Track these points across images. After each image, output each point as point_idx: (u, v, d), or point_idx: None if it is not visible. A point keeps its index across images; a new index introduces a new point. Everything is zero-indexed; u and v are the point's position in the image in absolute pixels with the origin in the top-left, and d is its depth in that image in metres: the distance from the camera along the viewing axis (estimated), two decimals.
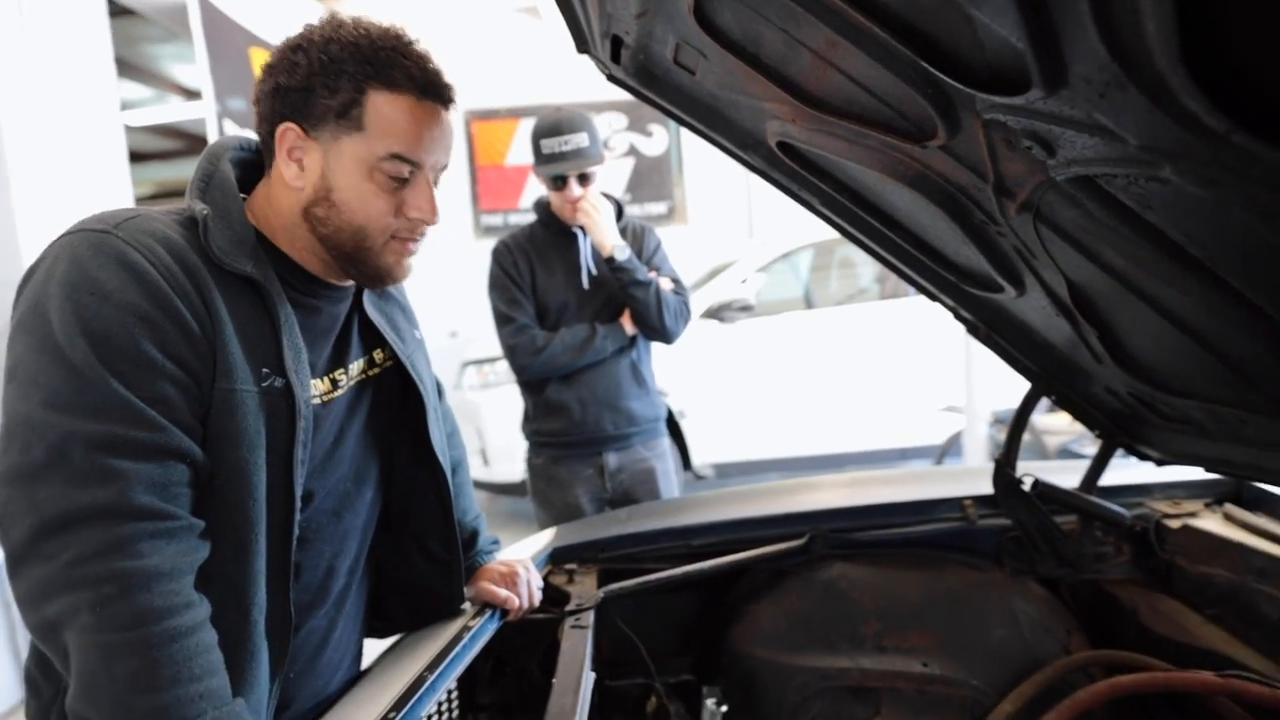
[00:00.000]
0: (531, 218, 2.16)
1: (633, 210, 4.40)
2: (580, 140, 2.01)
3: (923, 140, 0.76)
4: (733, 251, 5.31)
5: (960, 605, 1.33)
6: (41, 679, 0.84)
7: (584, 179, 2.02)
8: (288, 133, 0.87)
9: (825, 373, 4.66)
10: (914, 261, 1.18)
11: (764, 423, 4.65)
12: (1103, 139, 0.57)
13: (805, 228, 4.68)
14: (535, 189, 6.88)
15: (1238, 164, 0.49)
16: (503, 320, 2.08)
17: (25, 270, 0.80)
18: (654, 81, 1.11)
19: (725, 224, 6.69)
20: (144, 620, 0.71)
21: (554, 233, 2.11)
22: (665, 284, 2.09)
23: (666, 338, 2.10)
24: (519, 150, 6.83)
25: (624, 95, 1.26)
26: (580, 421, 2.07)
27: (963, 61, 0.61)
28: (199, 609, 0.76)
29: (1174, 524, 1.33)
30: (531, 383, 2.10)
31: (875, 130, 0.81)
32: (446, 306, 6.12)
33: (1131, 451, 1.35)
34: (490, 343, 4.84)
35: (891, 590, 1.35)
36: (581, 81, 6.66)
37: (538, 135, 2.03)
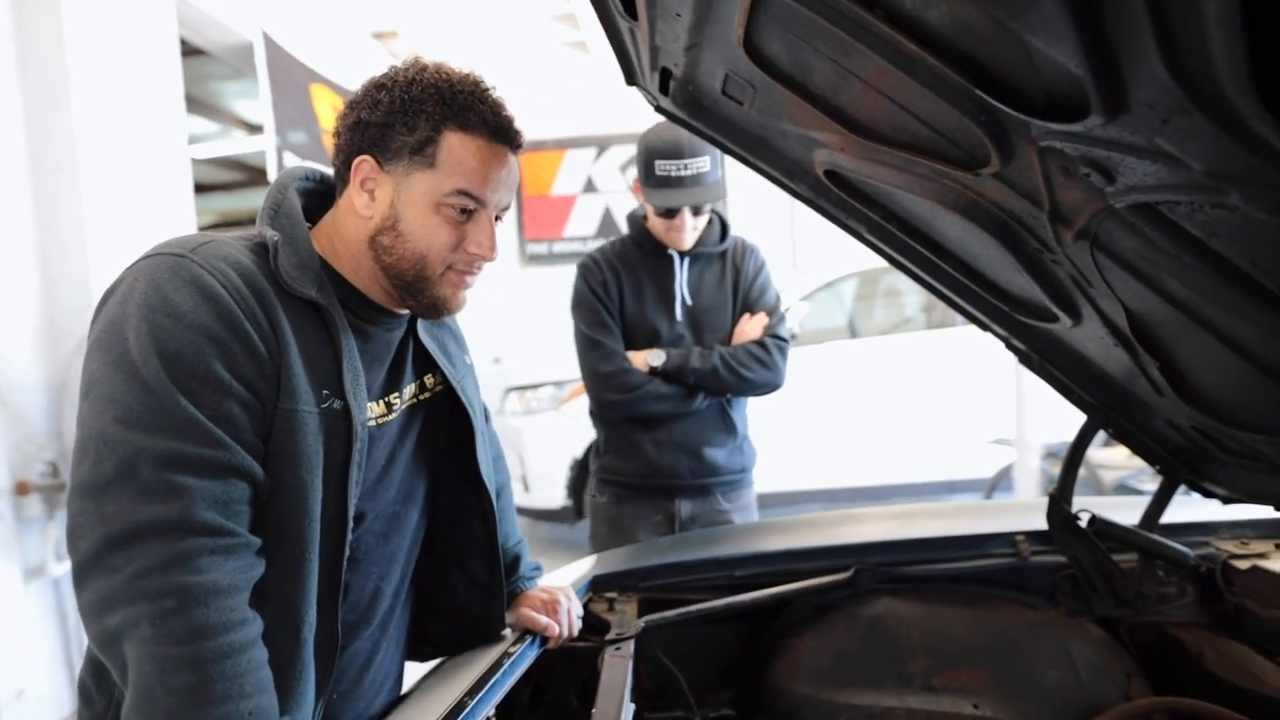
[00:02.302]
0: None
1: None
2: (702, 165, 1.77)
3: (975, 168, 0.76)
4: (777, 281, 5.29)
5: (1013, 645, 1.28)
6: (95, 690, 0.86)
7: (698, 209, 1.81)
8: (363, 164, 0.91)
9: (870, 403, 4.58)
10: (964, 290, 1.16)
11: (807, 453, 4.59)
12: (1166, 165, 0.55)
13: (849, 256, 4.64)
14: (580, 219, 6.97)
15: None
16: (588, 344, 1.86)
17: (101, 293, 0.83)
18: (702, 112, 1.12)
19: (768, 253, 6.65)
20: (200, 635, 0.72)
21: (647, 253, 1.90)
22: (756, 325, 1.89)
23: (764, 391, 1.89)
24: (564, 180, 6.95)
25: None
26: (654, 465, 1.86)
27: (1017, 88, 0.60)
28: (252, 626, 0.77)
29: (1242, 564, 1.27)
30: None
31: (926, 158, 0.81)
32: (491, 333, 6.22)
33: (1195, 488, 1.29)
34: (533, 369, 4.89)
35: (941, 627, 1.31)
36: (625, 113, 6.78)
37: (652, 153, 1.77)
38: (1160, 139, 0.52)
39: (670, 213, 1.80)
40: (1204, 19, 0.40)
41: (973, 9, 0.55)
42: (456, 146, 0.89)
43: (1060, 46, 0.50)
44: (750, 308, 1.93)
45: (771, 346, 1.88)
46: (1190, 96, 0.46)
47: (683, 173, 1.75)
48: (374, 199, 0.91)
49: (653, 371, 1.82)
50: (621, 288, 1.89)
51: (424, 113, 0.88)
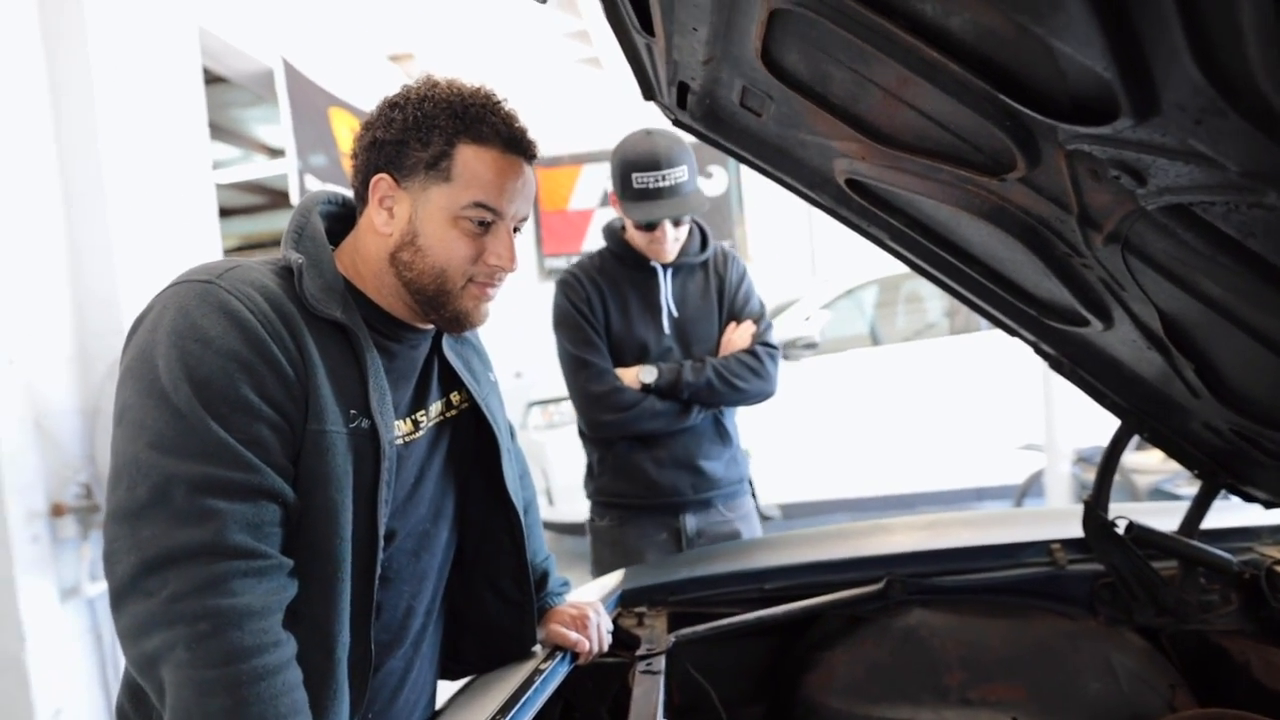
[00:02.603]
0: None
1: None
2: (680, 175, 1.73)
3: (1000, 173, 0.75)
4: (796, 289, 5.27)
5: (1051, 656, 1.26)
6: (133, 713, 0.87)
7: (679, 220, 1.77)
8: (380, 182, 0.92)
9: (894, 410, 4.54)
10: (991, 296, 1.15)
11: (832, 462, 4.56)
12: (1199, 166, 0.54)
13: (869, 263, 4.62)
14: (597, 233, 6.99)
15: None
16: (576, 364, 1.81)
17: (132, 319, 0.85)
18: (720, 124, 1.12)
19: (788, 261, 6.66)
20: (235, 658, 0.73)
21: (628, 265, 1.85)
22: (744, 333, 1.85)
23: (758, 400, 1.86)
24: (581, 195, 6.99)
25: (683, 137, 1.28)
26: (655, 484, 1.82)
27: (1043, 92, 0.59)
28: (286, 647, 0.78)
29: None
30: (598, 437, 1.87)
31: (949, 164, 0.80)
32: (512, 347, 6.25)
33: (1235, 492, 1.26)
34: (555, 383, 4.90)
35: (975, 639, 1.29)
36: (640, 127, 6.81)
37: (627, 166, 1.74)
38: (1193, 140, 0.51)
39: (651, 225, 1.76)
40: (1239, 17, 0.39)
41: (995, 15, 0.55)
42: (471, 159, 0.90)
43: (1087, 50, 0.49)
44: (736, 316, 1.89)
45: (763, 355, 1.85)
46: (1224, 96, 0.45)
47: (661, 184, 1.72)
48: (393, 216, 0.92)
49: (645, 389, 1.78)
50: (605, 303, 1.84)
51: (437, 128, 0.89)
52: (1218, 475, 1.26)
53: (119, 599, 0.76)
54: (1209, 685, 1.27)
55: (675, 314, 1.85)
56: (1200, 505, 1.29)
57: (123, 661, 0.79)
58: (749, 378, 1.82)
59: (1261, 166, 0.50)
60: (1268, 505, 1.25)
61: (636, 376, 1.79)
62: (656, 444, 1.83)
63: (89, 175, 2.57)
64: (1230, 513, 1.38)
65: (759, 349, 1.85)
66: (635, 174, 1.73)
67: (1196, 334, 0.88)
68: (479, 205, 0.91)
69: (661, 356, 1.84)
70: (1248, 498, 1.26)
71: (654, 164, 1.72)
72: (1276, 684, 1.16)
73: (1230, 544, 1.31)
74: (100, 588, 2.45)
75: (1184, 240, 0.68)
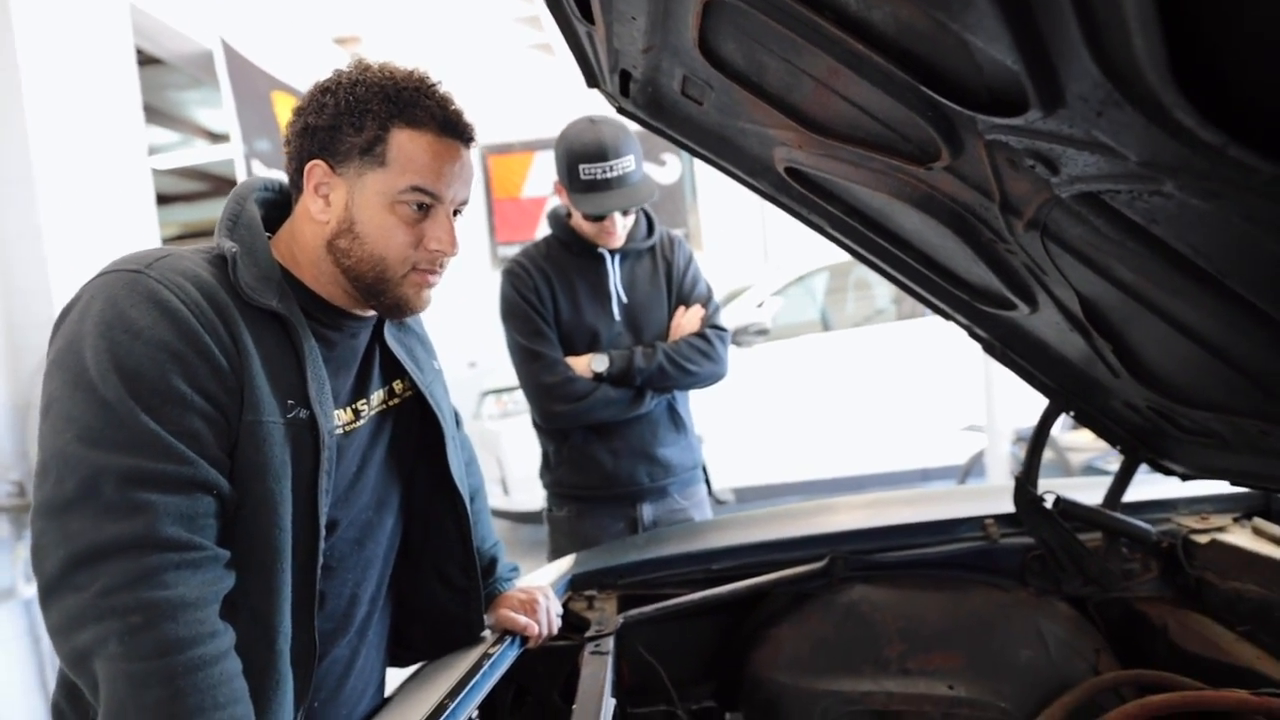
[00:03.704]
0: None
1: None
2: (627, 165, 1.71)
3: (927, 162, 0.78)
4: (748, 276, 5.33)
5: (985, 626, 1.31)
6: (69, 710, 0.86)
7: (628, 210, 1.75)
8: (315, 169, 0.90)
9: (844, 395, 4.64)
10: (926, 281, 1.19)
11: (784, 446, 4.64)
12: (1104, 156, 0.57)
13: (820, 251, 4.69)
14: None
15: (1236, 176, 0.50)
16: (527, 355, 1.80)
17: (59, 309, 0.82)
18: (662, 113, 1.13)
19: (740, 249, 6.72)
20: (170, 649, 0.72)
21: (576, 253, 1.83)
22: (693, 317, 1.86)
23: (711, 382, 1.87)
24: (534, 183, 6.93)
25: (634, 126, 1.29)
26: (612, 475, 1.82)
27: (961, 84, 0.62)
28: (223, 638, 0.77)
29: (1202, 539, 1.31)
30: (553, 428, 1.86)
31: (880, 153, 0.83)
32: (465, 337, 6.19)
33: (1155, 466, 1.33)
34: (509, 372, 4.87)
35: (914, 612, 1.34)
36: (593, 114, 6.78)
37: (574, 157, 1.71)
38: (1096, 131, 0.54)
39: (600, 217, 1.75)
40: (1123, 10, 0.42)
41: (913, 10, 0.57)
42: (406, 143, 0.89)
43: (996, 44, 0.52)
44: (685, 300, 1.90)
45: (713, 337, 1.85)
46: (1119, 89, 0.48)
47: (609, 174, 1.70)
48: (329, 203, 0.91)
49: (597, 377, 1.78)
50: (554, 291, 1.82)
51: (370, 112, 0.88)
52: (1138, 450, 1.32)
53: (48, 594, 0.74)
54: (1131, 649, 1.34)
55: (625, 300, 1.85)
56: (1122, 479, 1.36)
57: (59, 662, 0.78)
58: (700, 361, 1.83)
59: (1158, 157, 0.53)
60: (1184, 478, 1.32)
61: (588, 365, 1.78)
62: (612, 433, 1.82)
63: (16, 161, 2.47)
64: (1150, 486, 1.46)
65: (708, 332, 1.86)
66: (582, 165, 1.70)
67: (1113, 316, 0.93)
68: (416, 189, 0.90)
69: (612, 343, 1.84)
70: (1166, 471, 1.33)
71: (601, 155, 1.70)
72: (1192, 645, 1.23)
73: (1150, 515, 1.39)
74: (35, 589, 2.38)
75: (1096, 227, 0.71)
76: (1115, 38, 0.44)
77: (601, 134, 1.71)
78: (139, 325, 0.78)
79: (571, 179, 1.73)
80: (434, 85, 0.92)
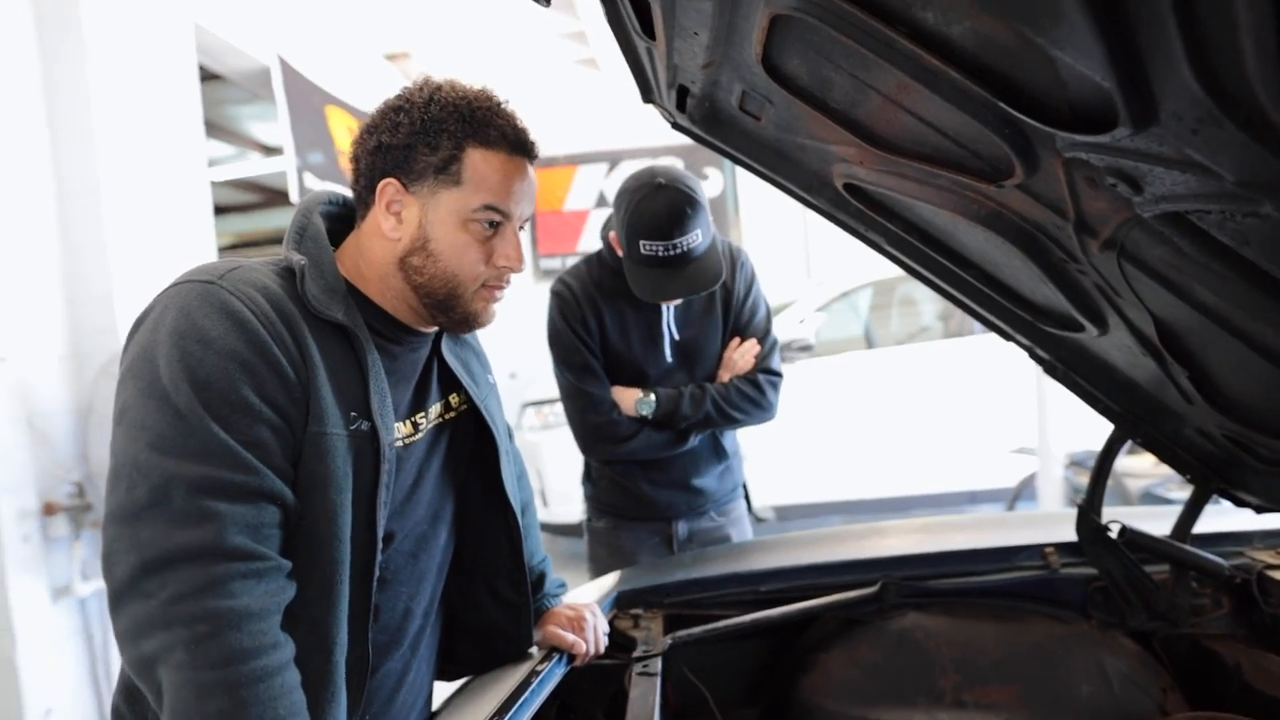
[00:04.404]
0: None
1: None
2: (693, 240, 1.56)
3: (998, 180, 0.75)
4: (791, 291, 5.29)
5: (1044, 659, 1.27)
6: (128, 713, 0.87)
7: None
8: (388, 187, 0.91)
9: (888, 413, 4.56)
10: (987, 300, 1.16)
11: (826, 465, 4.57)
12: (1195, 175, 0.55)
13: (864, 266, 4.64)
14: (593, 234, 7.01)
15: None
16: (574, 393, 1.76)
17: (126, 317, 0.84)
18: (718, 127, 1.12)
19: (783, 264, 6.68)
20: (234, 659, 0.73)
21: (625, 280, 1.69)
22: (747, 354, 1.77)
23: (761, 422, 1.80)
24: (576, 196, 7.00)
25: (679, 139, 1.27)
26: (650, 501, 1.82)
27: (1042, 101, 0.60)
28: (285, 649, 0.78)
29: (1278, 575, 1.25)
30: None
31: (947, 170, 0.81)
32: (506, 348, 6.25)
33: (1227, 497, 1.27)
34: (550, 384, 4.90)
35: (970, 641, 1.30)
36: (635, 128, 6.83)
37: (634, 230, 1.56)
38: (1190, 149, 0.52)
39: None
40: (1237, 28, 0.40)
41: (996, 24, 0.55)
42: (480, 163, 0.90)
43: (1087, 60, 0.50)
44: (741, 331, 1.81)
45: (764, 384, 1.78)
46: (1221, 107, 0.46)
47: (671, 252, 1.56)
48: (401, 221, 0.92)
49: (642, 420, 1.74)
50: (602, 321, 1.74)
51: (445, 131, 0.89)
52: (1210, 480, 1.27)
53: (118, 600, 0.75)
54: (1201, 689, 1.28)
55: (677, 337, 1.77)
56: (1192, 510, 1.30)
57: (115, 661, 0.79)
58: (749, 409, 1.76)
59: (1257, 177, 0.51)
60: (1259, 510, 1.26)
61: (634, 406, 1.73)
62: (653, 465, 1.81)
63: (84, 173, 2.56)
64: (1222, 517, 1.39)
65: (760, 377, 1.78)
66: (644, 241, 1.57)
67: (1191, 340, 0.89)
68: (489, 208, 0.91)
69: (662, 379, 1.78)
70: (1239, 502, 1.27)
71: (665, 231, 1.55)
72: (1267, 687, 1.17)
73: (1222, 548, 1.32)
74: (91, 587, 2.44)
75: (1179, 248, 0.68)
76: (1224, 56, 0.42)
77: (668, 203, 1.55)
78: (211, 335, 0.79)
79: (630, 247, 1.61)
80: (502, 104, 0.94)
